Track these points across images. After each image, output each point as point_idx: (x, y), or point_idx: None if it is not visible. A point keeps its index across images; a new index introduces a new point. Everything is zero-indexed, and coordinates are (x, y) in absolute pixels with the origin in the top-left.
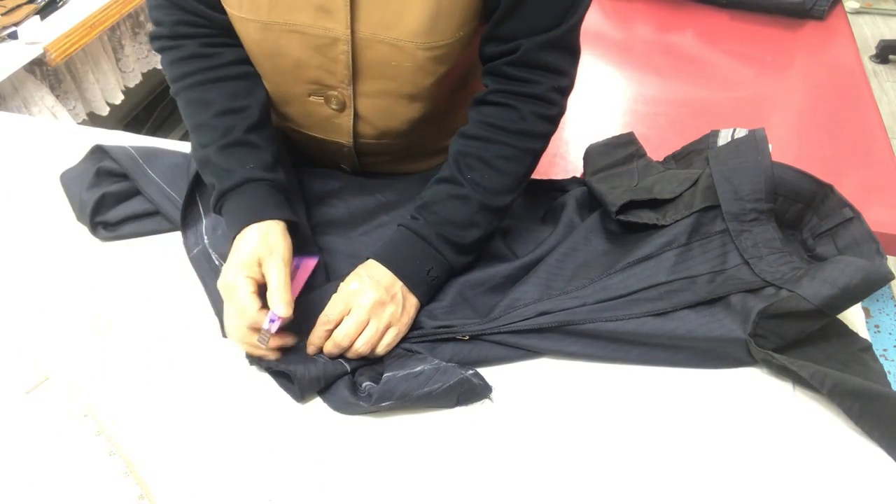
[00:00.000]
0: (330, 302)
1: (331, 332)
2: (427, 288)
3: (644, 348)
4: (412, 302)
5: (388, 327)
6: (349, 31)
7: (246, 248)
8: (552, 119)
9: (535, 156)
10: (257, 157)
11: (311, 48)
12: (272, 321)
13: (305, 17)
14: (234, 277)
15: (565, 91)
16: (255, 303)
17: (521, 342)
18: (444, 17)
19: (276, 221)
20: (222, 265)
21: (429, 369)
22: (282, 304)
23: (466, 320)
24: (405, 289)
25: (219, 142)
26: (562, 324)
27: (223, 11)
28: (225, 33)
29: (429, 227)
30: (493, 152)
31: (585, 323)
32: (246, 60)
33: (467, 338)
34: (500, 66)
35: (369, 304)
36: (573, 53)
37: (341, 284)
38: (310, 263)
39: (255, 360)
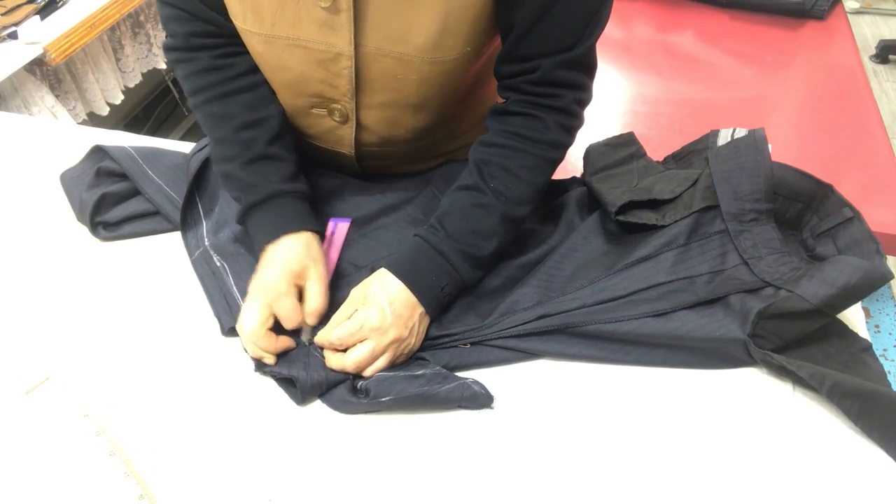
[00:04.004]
0: (345, 326)
1: (339, 350)
2: (438, 304)
3: (644, 349)
4: (425, 325)
5: (400, 356)
6: (352, 46)
7: (293, 256)
8: (572, 130)
9: (555, 166)
10: (281, 170)
11: (313, 63)
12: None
13: (309, 32)
14: (280, 282)
15: (584, 104)
16: (300, 313)
17: (521, 345)
18: (451, 32)
19: (313, 234)
20: (224, 266)
21: (429, 373)
22: (315, 317)
23: (468, 327)
24: (423, 314)
25: (242, 157)
26: (561, 326)
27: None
28: (239, 41)
29: (449, 241)
30: (516, 161)
31: (585, 325)
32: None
33: (468, 345)
34: (519, 84)
35: (388, 341)
36: (591, 69)
37: (360, 310)
38: (343, 227)
39: (260, 365)
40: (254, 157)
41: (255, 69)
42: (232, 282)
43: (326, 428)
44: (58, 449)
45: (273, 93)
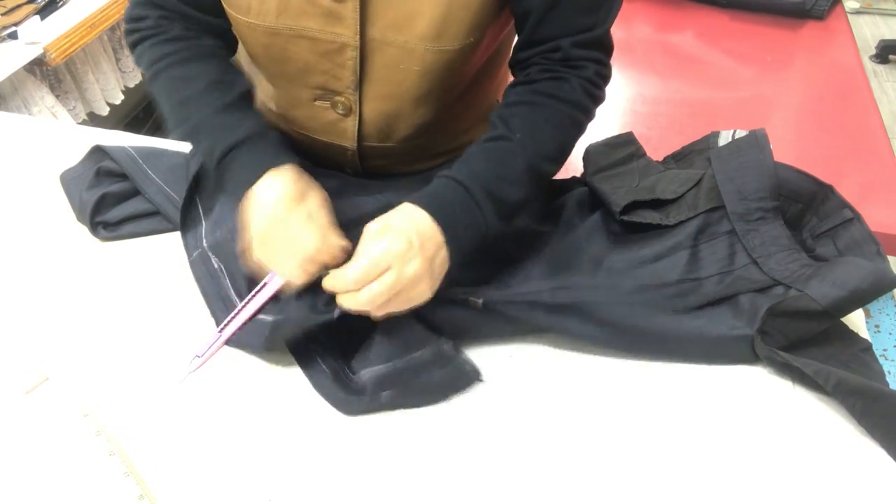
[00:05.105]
0: (365, 256)
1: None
2: (459, 245)
3: (654, 343)
4: (442, 273)
5: (409, 304)
6: (358, 36)
7: (289, 186)
8: (596, 100)
9: (579, 131)
10: (257, 119)
11: (318, 54)
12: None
13: (314, 23)
14: (288, 212)
15: (607, 79)
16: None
17: (533, 317)
18: (455, 21)
19: (296, 166)
20: (221, 268)
21: (429, 355)
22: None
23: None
24: (444, 258)
25: (215, 104)
26: (576, 302)
27: (216, 14)
28: (208, 29)
29: (473, 177)
30: (541, 116)
31: (599, 304)
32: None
33: (480, 302)
34: (541, 60)
35: (410, 273)
36: (609, 50)
37: (381, 239)
38: (278, 281)
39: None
40: (229, 104)
41: (224, 48)
42: (229, 284)
43: (326, 428)
44: (58, 449)
45: (242, 73)
